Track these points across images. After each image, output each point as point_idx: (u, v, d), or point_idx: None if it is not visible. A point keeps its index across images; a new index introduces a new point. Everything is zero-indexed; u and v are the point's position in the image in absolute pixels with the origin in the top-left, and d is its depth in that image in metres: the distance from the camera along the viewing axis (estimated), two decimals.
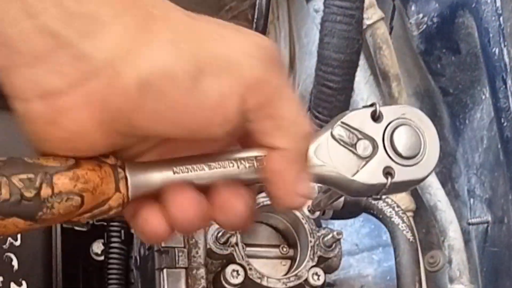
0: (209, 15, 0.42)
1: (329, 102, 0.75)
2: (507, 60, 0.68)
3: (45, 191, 0.37)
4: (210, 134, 0.39)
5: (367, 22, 0.81)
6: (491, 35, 0.71)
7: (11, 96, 0.38)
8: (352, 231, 0.99)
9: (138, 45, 0.37)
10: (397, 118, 0.46)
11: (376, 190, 0.45)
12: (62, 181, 0.37)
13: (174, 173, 0.40)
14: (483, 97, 0.80)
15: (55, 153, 0.38)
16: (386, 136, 0.45)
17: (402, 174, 0.45)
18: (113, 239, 0.70)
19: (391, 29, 0.87)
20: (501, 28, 0.69)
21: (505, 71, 0.70)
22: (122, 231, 0.70)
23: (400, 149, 0.45)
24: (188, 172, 0.41)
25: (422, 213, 0.92)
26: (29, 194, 0.37)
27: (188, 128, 0.39)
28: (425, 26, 0.82)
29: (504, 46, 0.68)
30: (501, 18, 0.69)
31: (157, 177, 0.40)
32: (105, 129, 0.38)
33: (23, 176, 0.37)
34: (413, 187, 0.48)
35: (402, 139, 0.45)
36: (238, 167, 0.42)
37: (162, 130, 0.39)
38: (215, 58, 0.38)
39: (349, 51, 0.74)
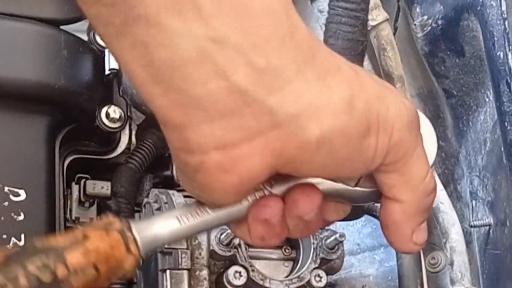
0: None
1: None
2: (511, 64, 0.68)
3: (61, 272, 0.38)
4: (347, 178, 0.44)
5: (371, 23, 0.81)
6: (496, 38, 0.71)
7: (180, 149, 0.39)
8: (353, 231, 0.99)
9: (320, 101, 0.39)
10: None
11: (376, 196, 0.46)
12: (76, 258, 0.39)
13: (180, 223, 0.42)
14: (487, 99, 0.80)
15: (222, 199, 0.41)
16: None
17: None
18: None
19: (395, 30, 0.87)
20: (506, 32, 0.69)
21: (509, 75, 0.70)
22: None
23: None
24: (194, 219, 0.42)
25: None
26: (46, 278, 0.38)
27: (338, 175, 0.43)
28: (429, 28, 0.82)
29: (509, 50, 0.68)
30: (506, 22, 0.69)
31: (165, 230, 0.42)
32: (271, 171, 0.40)
33: (38, 262, 0.38)
34: None
35: None
36: None
37: (317, 175, 0.42)
38: (378, 118, 0.42)
39: (353, 53, 0.74)
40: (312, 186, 0.43)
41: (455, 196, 0.91)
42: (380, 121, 0.42)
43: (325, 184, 0.44)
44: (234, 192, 0.40)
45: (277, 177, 0.43)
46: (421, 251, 0.87)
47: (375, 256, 0.97)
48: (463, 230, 0.86)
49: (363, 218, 0.99)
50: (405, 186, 0.45)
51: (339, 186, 0.44)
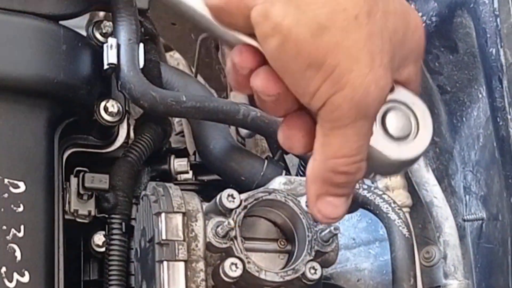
0: None
1: None
2: (503, 60, 0.70)
3: None
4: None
5: None
6: (488, 35, 0.72)
7: None
8: (349, 225, 1.00)
9: None
10: (389, 101, 0.48)
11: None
12: None
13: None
14: (480, 95, 0.81)
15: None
16: (377, 118, 0.48)
17: (395, 153, 0.48)
18: (114, 231, 0.71)
19: None
20: (498, 29, 0.70)
21: (501, 71, 0.71)
22: (123, 223, 0.72)
23: (391, 131, 0.48)
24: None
25: (419, 209, 0.93)
26: None
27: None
28: (423, 25, 0.83)
29: (501, 47, 0.69)
30: (498, 19, 0.70)
31: None
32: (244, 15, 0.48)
33: None
34: (407, 167, 0.50)
35: (393, 122, 0.48)
36: None
37: None
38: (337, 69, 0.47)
39: None
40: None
41: (449, 191, 0.92)
42: (338, 71, 0.44)
43: None
44: (214, 13, 0.45)
45: None
46: (415, 245, 0.88)
47: (370, 251, 0.98)
48: (456, 225, 0.87)
49: (358, 213, 1.00)
50: (321, 149, 0.47)
51: None
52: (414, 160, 0.51)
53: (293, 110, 0.48)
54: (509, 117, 0.69)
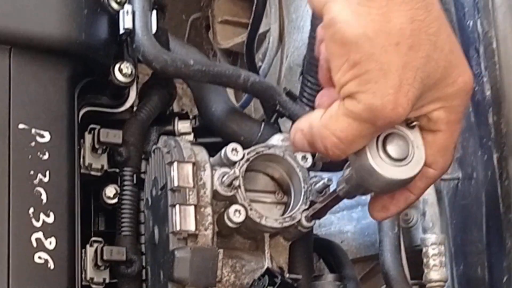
0: None
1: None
2: (480, 30, 0.77)
3: None
4: None
5: None
6: (466, 9, 0.80)
7: None
8: None
9: None
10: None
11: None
12: None
13: None
14: None
15: None
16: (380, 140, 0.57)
17: (392, 174, 0.56)
18: (126, 183, 0.77)
19: None
20: (476, 2, 0.77)
21: (478, 40, 0.78)
22: (135, 176, 0.78)
23: (391, 153, 0.57)
24: None
25: None
26: None
27: None
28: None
29: (477, 18, 0.77)
30: None
31: None
32: None
33: None
34: (399, 187, 0.59)
35: (394, 145, 0.57)
36: None
37: None
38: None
39: None
40: None
41: None
42: (367, 77, 0.54)
43: None
44: None
45: None
46: None
47: (353, 214, 1.05)
48: (435, 187, 0.95)
49: None
50: (328, 118, 0.57)
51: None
52: (408, 181, 0.58)
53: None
54: (484, 80, 0.76)
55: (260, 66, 1.10)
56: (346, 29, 0.53)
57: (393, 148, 0.57)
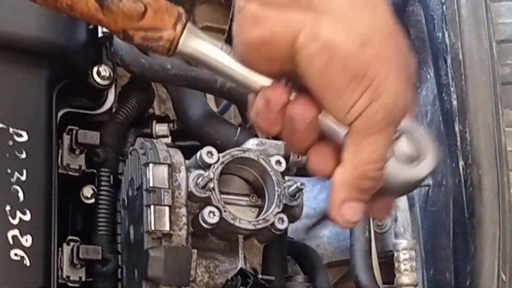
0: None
1: None
2: (448, 42, 0.80)
3: None
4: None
5: None
6: (435, 21, 0.82)
7: None
8: (310, 196, 1.09)
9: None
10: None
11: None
12: None
13: (219, 50, 0.50)
14: (428, 76, 0.91)
15: (246, 55, 0.51)
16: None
17: (406, 175, 0.54)
18: (103, 183, 0.79)
19: None
20: (444, 14, 0.80)
21: (446, 52, 0.81)
22: (112, 177, 0.79)
23: (402, 155, 0.54)
24: (226, 60, 0.51)
25: None
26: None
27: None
28: None
29: (446, 30, 0.80)
30: (444, 6, 0.80)
31: (206, 47, 0.50)
32: (287, 54, 0.51)
33: None
34: (415, 187, 0.58)
35: (403, 146, 0.54)
36: None
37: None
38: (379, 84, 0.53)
39: None
40: (311, 101, 0.51)
41: None
42: (377, 82, 0.49)
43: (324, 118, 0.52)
44: (254, 47, 0.49)
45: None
46: None
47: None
48: (408, 195, 0.97)
49: (318, 186, 1.09)
50: (352, 158, 0.51)
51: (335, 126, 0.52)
52: (421, 180, 0.57)
53: (316, 141, 0.53)
54: (452, 89, 0.79)
55: None
56: (346, 47, 0.49)
57: (403, 150, 0.55)
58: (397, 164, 0.54)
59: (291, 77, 0.52)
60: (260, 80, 0.52)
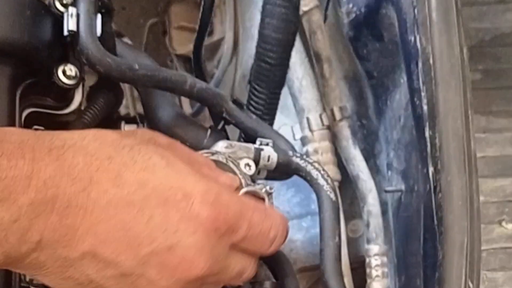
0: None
1: (267, 76, 0.85)
2: (419, 46, 0.79)
3: None
4: None
5: (303, 8, 0.91)
6: (408, 25, 0.82)
7: None
8: (284, 200, 1.09)
9: None
10: None
11: None
12: None
13: None
14: (402, 80, 0.91)
15: None
16: None
17: None
18: None
19: (325, 18, 0.98)
20: (416, 18, 0.80)
21: (418, 56, 0.81)
22: None
23: None
24: None
25: (347, 185, 1.02)
26: None
27: None
28: (354, 15, 0.93)
29: (417, 34, 0.79)
30: (415, 10, 0.80)
31: None
32: None
33: None
34: None
35: None
36: None
37: None
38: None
39: (286, 32, 0.84)
40: None
41: (374, 170, 1.02)
42: None
43: None
44: None
45: None
46: (343, 218, 0.97)
47: (302, 223, 1.07)
48: (380, 200, 0.97)
49: (292, 189, 1.09)
50: None
51: None
52: None
53: None
54: (423, 94, 0.78)
55: (214, 74, 1.11)
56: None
57: None
58: None
59: None
60: None
